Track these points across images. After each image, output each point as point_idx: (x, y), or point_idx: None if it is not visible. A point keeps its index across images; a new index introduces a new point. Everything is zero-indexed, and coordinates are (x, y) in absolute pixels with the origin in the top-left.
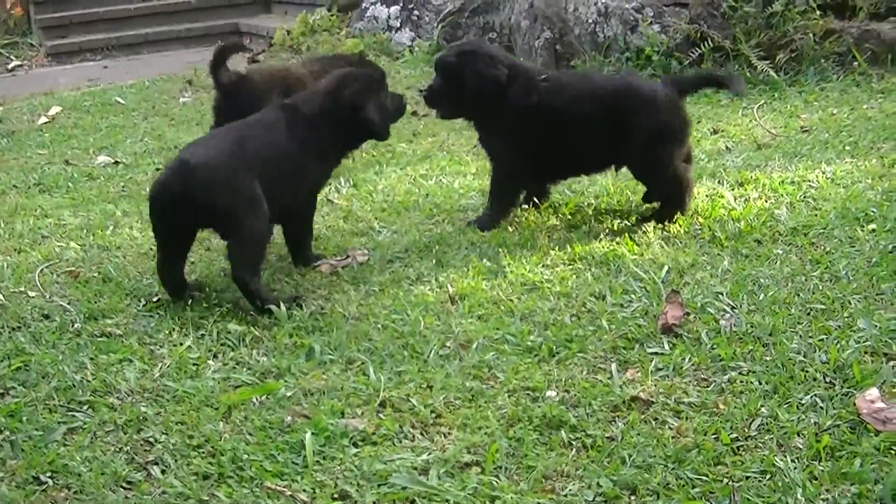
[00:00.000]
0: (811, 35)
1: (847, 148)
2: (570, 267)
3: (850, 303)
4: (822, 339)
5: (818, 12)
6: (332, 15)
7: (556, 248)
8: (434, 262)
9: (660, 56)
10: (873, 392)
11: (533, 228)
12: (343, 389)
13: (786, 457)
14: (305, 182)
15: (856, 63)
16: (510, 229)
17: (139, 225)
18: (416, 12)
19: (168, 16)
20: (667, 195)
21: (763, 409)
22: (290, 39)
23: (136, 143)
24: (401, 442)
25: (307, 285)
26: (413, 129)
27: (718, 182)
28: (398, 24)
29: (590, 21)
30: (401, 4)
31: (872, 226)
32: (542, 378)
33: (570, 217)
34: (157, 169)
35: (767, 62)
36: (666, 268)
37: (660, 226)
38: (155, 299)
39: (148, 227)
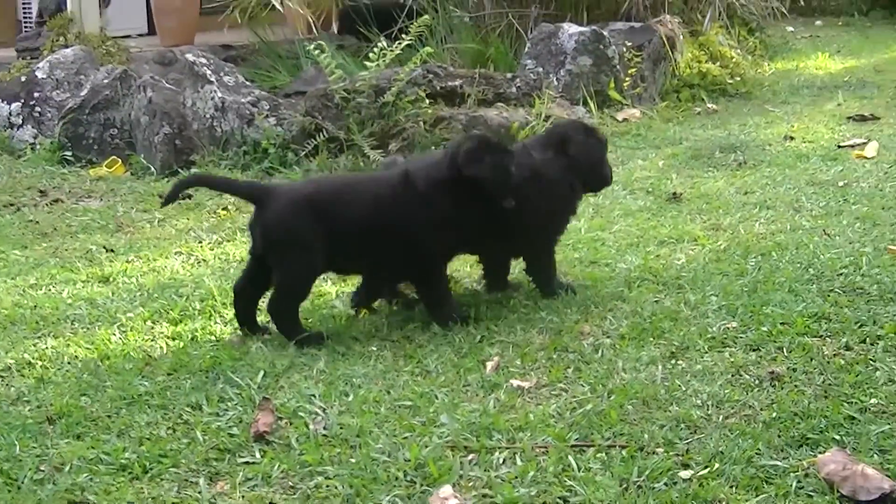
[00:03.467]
0: (422, 123)
1: None
2: (171, 376)
3: (437, 397)
4: (406, 437)
5: (428, 101)
6: None
7: (158, 357)
8: (35, 379)
9: (276, 148)
10: (446, 489)
11: (139, 337)
12: None
13: None
14: None
15: None
16: (114, 339)
17: None
18: (38, 108)
19: None
20: None
21: None
22: None
23: None
24: None
25: None
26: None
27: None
28: (20, 121)
29: (207, 116)
30: (22, 101)
31: None
32: (134, 497)
33: (177, 323)
34: None
35: (380, 151)
36: (262, 372)
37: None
38: None
39: None
